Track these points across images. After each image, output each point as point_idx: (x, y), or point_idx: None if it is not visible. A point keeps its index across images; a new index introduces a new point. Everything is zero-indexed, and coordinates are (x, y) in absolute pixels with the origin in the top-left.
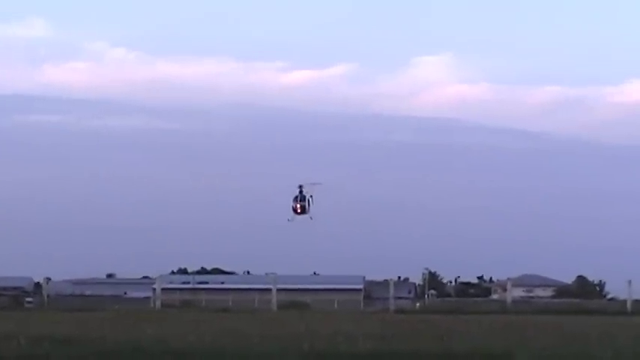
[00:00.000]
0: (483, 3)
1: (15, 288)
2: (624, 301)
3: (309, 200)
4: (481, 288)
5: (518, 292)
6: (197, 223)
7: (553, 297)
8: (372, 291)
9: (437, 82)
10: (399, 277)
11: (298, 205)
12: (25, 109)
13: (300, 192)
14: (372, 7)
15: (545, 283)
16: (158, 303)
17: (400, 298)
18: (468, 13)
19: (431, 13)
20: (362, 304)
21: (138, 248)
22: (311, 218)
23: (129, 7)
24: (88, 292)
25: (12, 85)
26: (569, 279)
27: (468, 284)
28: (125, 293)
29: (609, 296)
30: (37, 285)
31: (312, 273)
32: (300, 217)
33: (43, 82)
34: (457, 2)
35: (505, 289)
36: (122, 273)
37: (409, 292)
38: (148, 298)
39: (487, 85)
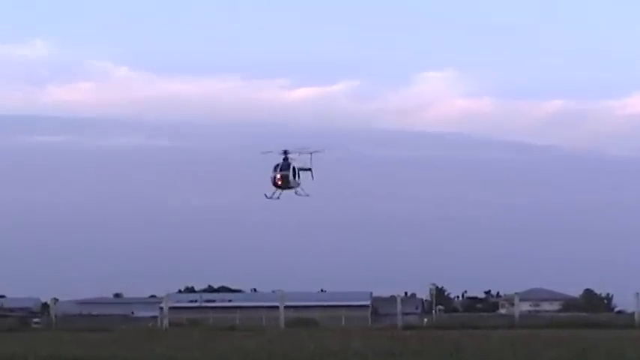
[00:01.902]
0: (485, 18)
1: (22, 309)
2: (632, 314)
3: (296, 170)
4: (488, 303)
5: (526, 307)
6: (203, 241)
7: (560, 311)
8: (380, 307)
9: (440, 98)
10: (406, 293)
11: (278, 176)
12: (28, 129)
13: (285, 159)
14: (374, 24)
15: (552, 296)
16: (166, 322)
17: (408, 314)
18: (470, 28)
19: (433, 29)
20: (370, 320)
21: (145, 267)
22: (305, 195)
23: (132, 26)
24: (95, 312)
25: (15, 105)
26: (576, 292)
27: (475, 299)
28: (132, 313)
29: (617, 309)
30: (44, 305)
31: (320, 290)
32: (282, 193)
33: (47, 103)
34: (459, 18)
35: (512, 304)
36: (129, 292)
37: (417, 308)
38: (155, 317)
39: (490, 99)
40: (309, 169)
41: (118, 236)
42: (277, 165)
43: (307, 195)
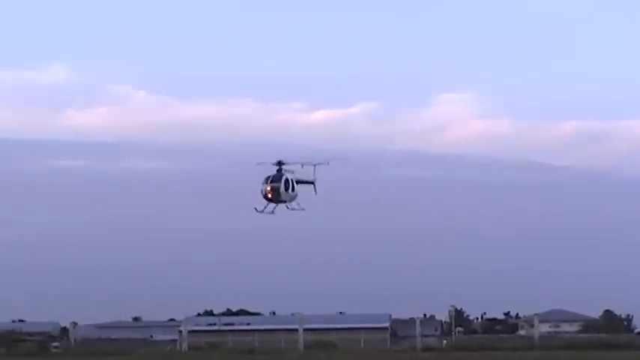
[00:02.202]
0: (502, 40)
1: (41, 333)
2: None
3: (290, 182)
4: (508, 324)
5: (545, 328)
6: (222, 263)
7: (580, 332)
8: (399, 329)
9: (459, 119)
10: (425, 315)
11: (268, 188)
12: (48, 153)
13: (279, 170)
14: (391, 47)
15: (571, 317)
16: (185, 345)
17: (427, 336)
18: (488, 50)
19: (450, 52)
20: (389, 342)
21: (163, 291)
22: (300, 209)
23: (149, 51)
24: (114, 336)
25: (36, 130)
26: (596, 313)
27: (494, 320)
28: (151, 336)
29: (637, 330)
30: (64, 330)
31: (338, 312)
32: (273, 207)
33: (66, 126)
34: (476, 40)
35: (532, 325)
36: (148, 316)
37: (436, 330)
38: (174, 340)
39: (509, 120)
40: (312, 183)
41: (136, 260)
42: (268, 177)
43: (302, 209)
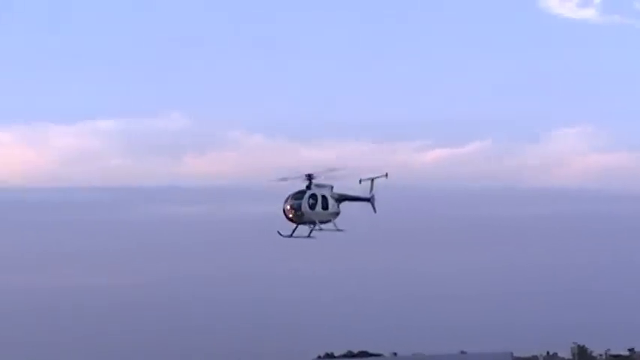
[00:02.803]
0: (617, 71)
1: None
2: None
3: (320, 199)
4: None
5: None
6: (341, 305)
7: None
8: None
9: (576, 153)
10: (548, 353)
11: (288, 207)
12: (169, 200)
13: (308, 187)
14: (507, 83)
15: None
16: None
17: None
18: (604, 82)
19: (565, 86)
20: None
21: (273, 333)
22: (337, 230)
23: (263, 95)
24: None
25: (155, 177)
26: None
27: (619, 357)
28: None
29: None
30: None
31: (460, 351)
32: (310, 230)
33: (186, 173)
34: (589, 72)
35: None
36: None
37: None
38: None
39: (627, 153)
40: (367, 200)
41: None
42: (292, 194)
43: (340, 230)
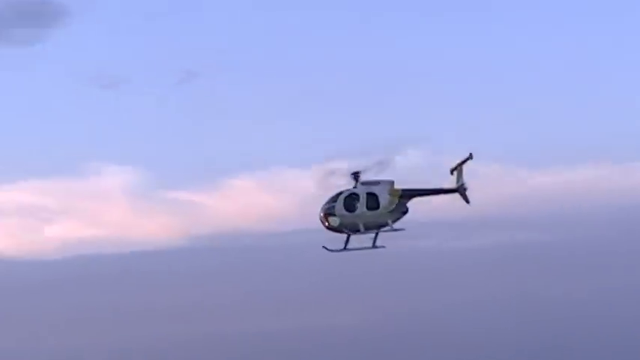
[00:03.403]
0: None
1: None
2: None
3: (360, 198)
4: None
5: None
6: (571, 335)
7: None
8: None
9: None
10: None
11: (322, 214)
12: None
13: (355, 186)
14: None
15: None
16: None
17: None
18: None
19: None
20: None
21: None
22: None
23: (495, 121)
24: None
25: None
26: None
27: None
28: None
29: None
30: None
31: None
32: (373, 241)
33: None
34: None
35: None
36: None
37: None
38: None
39: None
40: (455, 191)
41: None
42: (331, 197)
43: (397, 230)
